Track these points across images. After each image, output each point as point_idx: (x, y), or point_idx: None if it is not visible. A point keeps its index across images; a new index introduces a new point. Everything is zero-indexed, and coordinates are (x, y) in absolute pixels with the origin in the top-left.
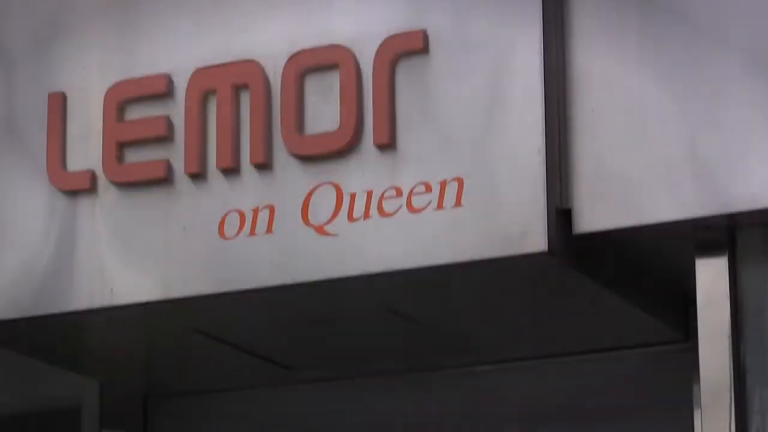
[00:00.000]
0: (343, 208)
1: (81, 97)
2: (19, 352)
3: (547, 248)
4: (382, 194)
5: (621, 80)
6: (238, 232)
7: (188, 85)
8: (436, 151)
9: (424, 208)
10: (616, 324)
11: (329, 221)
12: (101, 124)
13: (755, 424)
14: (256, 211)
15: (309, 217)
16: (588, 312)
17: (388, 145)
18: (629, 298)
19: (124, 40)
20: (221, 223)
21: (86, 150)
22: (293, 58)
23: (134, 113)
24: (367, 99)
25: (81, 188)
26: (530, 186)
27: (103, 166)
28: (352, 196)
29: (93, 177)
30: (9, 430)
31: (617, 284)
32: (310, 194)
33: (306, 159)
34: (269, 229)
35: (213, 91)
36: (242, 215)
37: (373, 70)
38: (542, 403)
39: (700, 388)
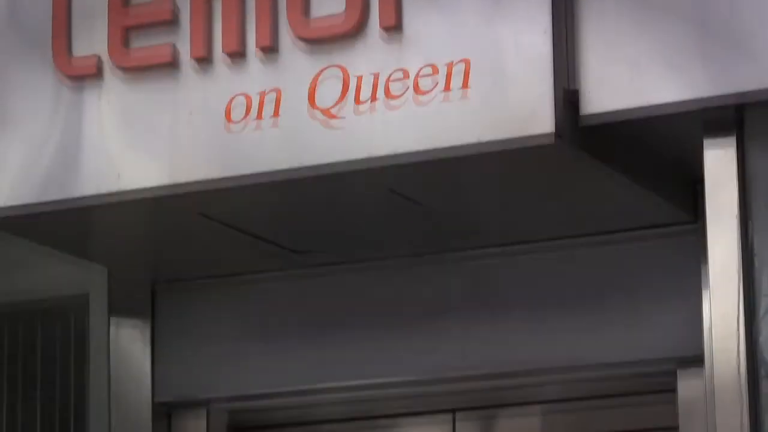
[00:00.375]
0: (349, 92)
1: None
2: (28, 239)
3: (554, 131)
4: (389, 78)
5: None
6: (245, 117)
7: None
8: (443, 33)
9: (430, 92)
10: (624, 207)
11: (336, 105)
12: (106, 9)
13: (763, 304)
14: (262, 96)
15: (315, 102)
16: (595, 195)
17: (394, 28)
18: (637, 181)
19: None
20: (227, 109)
21: (92, 36)
22: None
23: None
24: None
25: (87, 74)
26: (537, 69)
27: (109, 52)
28: (359, 81)
29: (99, 62)
30: (18, 318)
31: (625, 168)
32: (316, 78)
33: (312, 43)
34: (275, 114)
35: None
36: (248, 100)
37: None
38: (550, 286)
39: (708, 270)
